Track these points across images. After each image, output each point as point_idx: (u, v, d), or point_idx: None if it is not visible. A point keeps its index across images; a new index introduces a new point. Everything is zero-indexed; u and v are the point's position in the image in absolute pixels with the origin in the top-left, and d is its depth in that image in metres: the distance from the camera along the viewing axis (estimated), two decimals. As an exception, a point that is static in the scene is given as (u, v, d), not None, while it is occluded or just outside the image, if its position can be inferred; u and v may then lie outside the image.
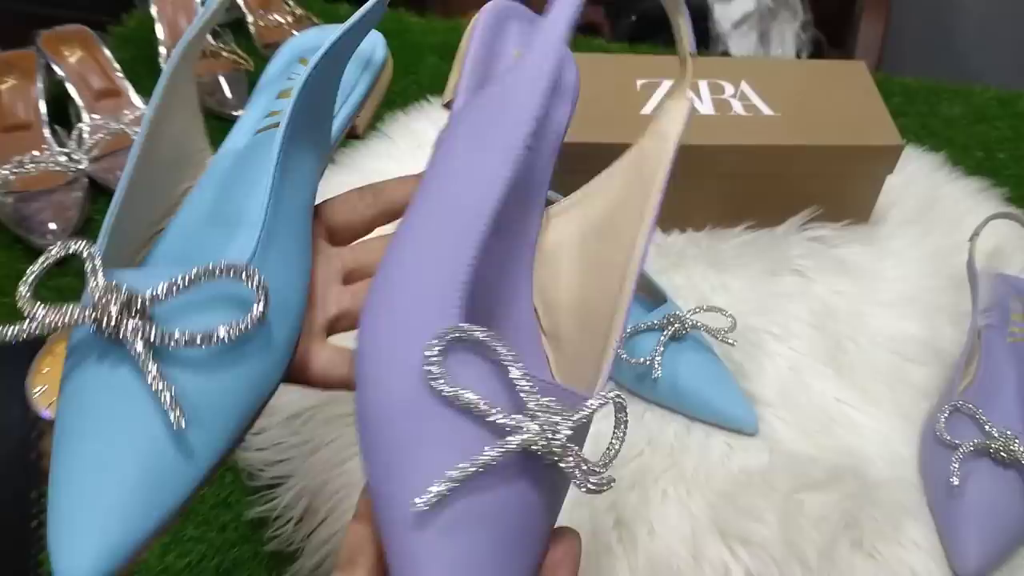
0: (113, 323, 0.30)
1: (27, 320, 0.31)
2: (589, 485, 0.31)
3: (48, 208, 0.78)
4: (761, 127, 0.76)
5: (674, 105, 0.45)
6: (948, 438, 0.59)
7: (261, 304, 0.33)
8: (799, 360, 0.68)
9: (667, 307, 0.67)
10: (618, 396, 0.33)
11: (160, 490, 0.31)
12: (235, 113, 0.92)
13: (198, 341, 0.31)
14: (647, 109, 0.78)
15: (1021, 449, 0.56)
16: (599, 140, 0.73)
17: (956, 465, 0.56)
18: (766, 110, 0.78)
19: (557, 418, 0.30)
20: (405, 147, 0.87)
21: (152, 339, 0.31)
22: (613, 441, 0.34)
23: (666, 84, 0.80)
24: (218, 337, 0.31)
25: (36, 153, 0.80)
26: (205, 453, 0.32)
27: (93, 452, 0.30)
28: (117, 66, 0.91)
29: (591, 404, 0.31)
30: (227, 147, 0.43)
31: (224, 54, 0.96)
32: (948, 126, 0.99)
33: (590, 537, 0.56)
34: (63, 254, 0.32)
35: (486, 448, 0.29)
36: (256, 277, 0.33)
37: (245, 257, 0.35)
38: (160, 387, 0.30)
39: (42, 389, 0.39)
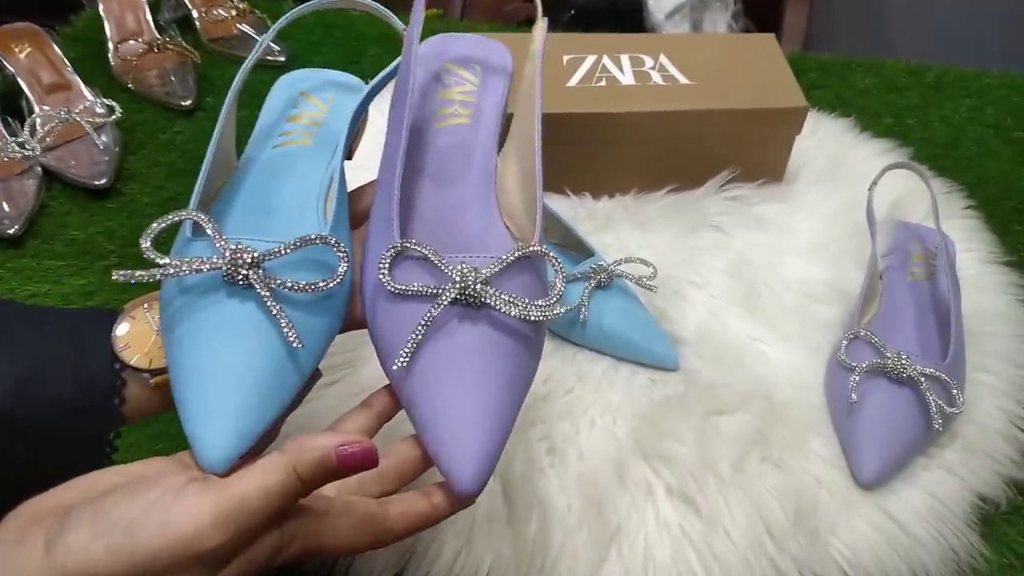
0: (243, 274, 0.41)
1: (167, 266, 0.41)
2: (531, 314, 0.41)
3: (2, 196, 0.81)
4: (678, 94, 0.82)
5: (535, 30, 0.56)
6: (848, 361, 0.64)
7: (345, 265, 0.44)
8: (716, 304, 0.74)
9: (593, 259, 0.72)
10: (539, 246, 0.44)
11: (278, 389, 0.41)
12: (183, 103, 0.95)
13: (307, 288, 0.42)
14: (573, 82, 0.83)
15: (914, 367, 0.62)
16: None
17: (854, 383, 0.62)
18: (683, 79, 0.83)
19: (472, 273, 0.41)
20: (367, 153, 0.91)
21: (273, 286, 0.42)
22: (556, 281, 0.44)
23: (590, 59, 0.86)
24: (319, 287, 0.42)
25: (-10, 144, 0.83)
26: (306, 365, 0.43)
27: (227, 361, 0.40)
28: (66, 61, 0.94)
29: (505, 256, 0.43)
30: (253, 156, 0.54)
31: (171, 48, 1.00)
32: (861, 96, 1.06)
33: (525, 463, 0.61)
34: (178, 219, 0.43)
35: (425, 312, 0.41)
36: (342, 246, 0.44)
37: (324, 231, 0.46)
38: (282, 318, 0.41)
39: (125, 346, 0.46)
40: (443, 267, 0.42)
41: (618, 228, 0.81)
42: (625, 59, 0.86)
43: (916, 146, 0.96)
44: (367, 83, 0.58)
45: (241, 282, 0.41)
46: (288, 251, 0.43)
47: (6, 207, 0.81)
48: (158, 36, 1.01)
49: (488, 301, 0.41)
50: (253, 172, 0.53)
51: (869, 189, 0.77)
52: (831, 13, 1.70)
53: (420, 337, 0.41)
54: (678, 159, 0.84)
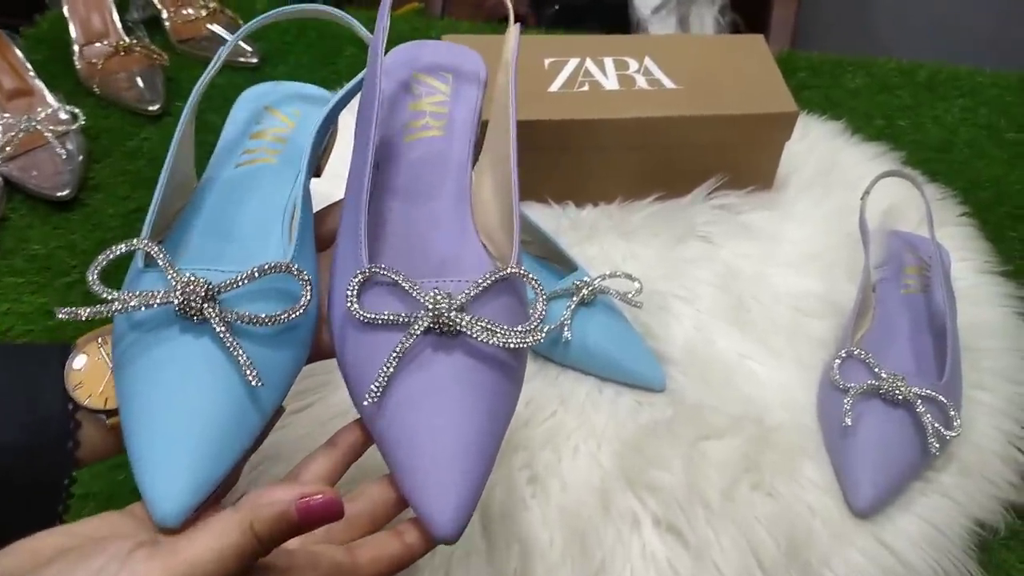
0: (197, 307, 0.39)
1: (114, 301, 0.39)
2: (511, 341, 0.39)
3: (-37, 208, 0.78)
4: (664, 100, 0.79)
5: (507, 35, 0.53)
6: (841, 382, 0.62)
7: (309, 294, 0.41)
8: (704, 320, 0.71)
9: (577, 274, 0.69)
10: (517, 268, 0.41)
11: (237, 432, 0.38)
12: (151, 108, 0.92)
13: (267, 322, 0.40)
14: (554, 87, 0.80)
15: (909, 389, 0.60)
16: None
17: (848, 406, 0.59)
18: (669, 83, 0.81)
19: (445, 300, 0.39)
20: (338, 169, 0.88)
21: (230, 319, 0.39)
22: (536, 303, 0.41)
23: (572, 62, 0.83)
24: (280, 319, 0.40)
25: (-54, 153, 0.80)
26: (269, 404, 0.40)
27: (181, 403, 0.38)
28: (29, 66, 0.91)
29: (481, 279, 0.40)
30: (214, 176, 0.51)
31: (139, 50, 0.96)
32: (851, 96, 1.03)
33: (505, 494, 0.58)
34: (128, 250, 0.41)
35: (396, 344, 0.38)
36: (305, 273, 0.41)
37: (287, 259, 0.43)
38: (240, 354, 0.38)
39: (79, 384, 0.43)
40: (414, 293, 0.39)
41: (603, 239, 0.79)
42: (609, 62, 0.83)
43: (908, 149, 0.93)
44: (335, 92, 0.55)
45: (195, 317, 0.39)
46: (246, 281, 0.40)
47: (-34, 221, 0.77)
48: (125, 38, 0.98)
49: (464, 329, 0.39)
50: (214, 193, 0.50)
51: (861, 199, 0.75)
52: (820, 7, 1.67)
53: (392, 370, 0.38)
54: (664, 166, 0.81)
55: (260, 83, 0.58)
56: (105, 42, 0.97)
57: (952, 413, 0.60)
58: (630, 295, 0.68)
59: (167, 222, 0.47)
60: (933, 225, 0.73)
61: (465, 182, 0.49)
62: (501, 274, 0.41)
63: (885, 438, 0.60)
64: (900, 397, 0.60)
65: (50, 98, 0.89)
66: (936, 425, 0.59)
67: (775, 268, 0.76)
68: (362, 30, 0.54)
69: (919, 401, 0.60)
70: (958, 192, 0.88)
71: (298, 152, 0.53)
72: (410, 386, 0.39)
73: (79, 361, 0.43)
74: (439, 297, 0.39)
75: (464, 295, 0.40)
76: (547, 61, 0.83)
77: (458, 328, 0.39)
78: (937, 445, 0.58)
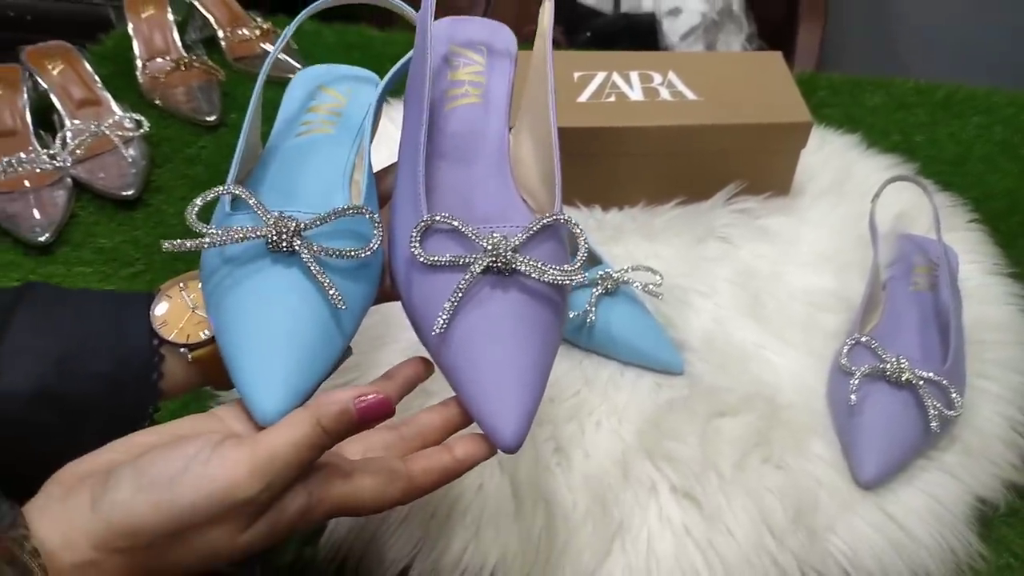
0: (288, 241, 0.44)
1: (214, 235, 0.44)
2: (559, 279, 0.44)
3: (34, 205, 0.85)
4: (686, 110, 0.84)
5: (543, 10, 0.58)
6: (849, 366, 0.66)
7: (380, 235, 0.46)
8: (722, 313, 0.76)
9: (601, 266, 0.74)
10: (561, 215, 0.46)
11: (325, 349, 0.44)
12: (208, 119, 0.99)
13: (349, 254, 0.45)
14: (583, 97, 0.85)
15: (912, 371, 0.64)
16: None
17: (854, 385, 0.63)
18: (691, 95, 0.86)
19: (503, 242, 0.44)
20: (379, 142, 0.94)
21: (316, 253, 0.44)
22: (580, 243, 0.46)
23: (600, 75, 0.88)
24: (358, 254, 0.45)
25: (23, 155, 0.87)
26: (349, 328, 0.46)
27: (277, 322, 0.43)
28: (97, 79, 0.98)
29: (530, 225, 0.45)
30: (277, 144, 0.57)
31: (197, 66, 1.03)
32: (869, 114, 1.07)
33: (532, 462, 0.62)
34: (221, 193, 0.47)
35: (459, 280, 0.43)
36: (375, 216, 0.47)
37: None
38: (328, 282, 0.44)
39: (163, 323, 0.48)
40: (474, 237, 0.44)
41: (627, 239, 0.83)
42: (634, 76, 0.89)
43: (923, 162, 0.97)
44: (389, 102, 0.61)
45: (285, 249, 0.44)
46: (328, 221, 0.46)
47: (37, 216, 0.84)
48: (185, 55, 1.05)
49: (519, 268, 0.43)
50: (279, 158, 0.55)
51: (872, 201, 0.79)
52: (844, 34, 1.72)
53: (456, 303, 0.43)
54: (686, 172, 0.86)
55: (307, 68, 0.64)
56: (167, 58, 1.04)
57: (954, 395, 0.63)
58: (651, 286, 0.72)
59: (240, 179, 0.52)
60: (940, 227, 0.77)
61: (504, 144, 0.54)
62: (547, 220, 0.46)
63: (889, 417, 0.63)
64: (904, 379, 0.64)
65: (116, 107, 0.96)
66: (938, 405, 0.63)
67: (791, 267, 0.80)
68: (407, 8, 0.59)
69: (922, 383, 0.63)
70: (970, 201, 0.91)
71: (352, 123, 0.58)
72: (472, 319, 0.43)
73: (162, 306, 0.49)
74: (497, 239, 0.44)
75: (518, 238, 0.44)
76: (576, 75, 0.89)
77: (513, 267, 0.43)
78: (938, 424, 0.62)
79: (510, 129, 0.56)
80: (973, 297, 0.76)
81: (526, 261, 0.44)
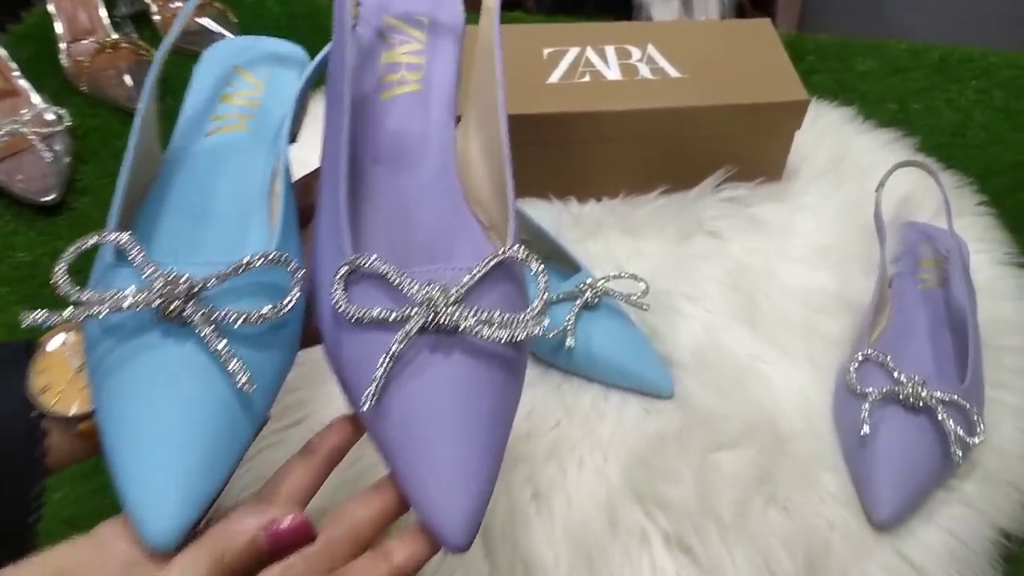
0: (178, 308, 0.35)
1: (85, 305, 0.35)
2: (515, 334, 0.35)
3: (-55, 214, 0.75)
4: (669, 90, 0.76)
5: None
6: (859, 387, 0.59)
7: (299, 287, 0.38)
8: (712, 320, 0.69)
9: (580, 276, 0.66)
10: (517, 248, 0.37)
11: (230, 443, 0.36)
12: (141, 105, 0.89)
13: (256, 320, 0.37)
14: (554, 78, 0.77)
15: (930, 394, 0.57)
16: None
17: (866, 414, 0.57)
18: (673, 72, 0.77)
19: (440, 295, 0.35)
20: (312, 133, 0.85)
21: (215, 319, 0.36)
22: (539, 282, 0.38)
23: (572, 52, 0.79)
24: (269, 316, 0.37)
25: (-76, 159, 0.77)
26: (261, 407, 0.38)
27: (166, 415, 0.35)
28: (14, 65, 0.88)
29: (478, 267, 0.37)
30: (183, 148, 0.47)
31: (127, 46, 0.93)
32: (862, 80, 1.00)
33: (507, 511, 0.55)
34: (98, 243, 0.38)
35: (391, 342, 0.35)
36: (293, 264, 0.38)
37: (271, 246, 0.40)
38: (230, 359, 0.35)
39: (44, 388, 0.40)
40: (406, 289, 0.36)
41: (606, 235, 0.76)
42: (610, 51, 0.80)
43: (922, 133, 0.90)
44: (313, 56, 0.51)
45: (177, 318, 0.36)
46: (231, 276, 0.37)
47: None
48: (113, 34, 0.95)
49: (461, 324, 0.35)
50: (185, 168, 0.46)
51: (877, 191, 0.72)
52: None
53: (387, 373, 0.35)
54: (669, 158, 0.78)
55: (219, 43, 0.54)
56: (92, 39, 0.94)
57: (976, 418, 0.57)
58: (635, 297, 0.65)
59: (135, 200, 0.44)
60: (952, 217, 0.70)
61: (449, 143, 0.45)
62: (498, 259, 0.37)
63: (906, 446, 0.57)
64: (921, 403, 0.57)
65: (35, 98, 0.86)
66: (959, 431, 0.56)
67: (786, 263, 0.73)
68: None
69: (940, 407, 0.57)
70: (974, 179, 0.84)
71: (272, 119, 0.49)
72: (408, 390, 0.35)
73: (45, 360, 0.40)
74: (434, 292, 0.36)
75: (459, 288, 0.36)
76: (546, 51, 0.80)
77: (455, 324, 0.35)
78: (960, 453, 0.56)
79: (458, 121, 0.48)
80: (984, 292, 0.69)
81: (471, 316, 0.36)
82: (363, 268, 0.37)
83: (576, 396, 0.63)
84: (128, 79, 0.92)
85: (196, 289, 0.36)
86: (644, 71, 0.78)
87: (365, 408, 0.35)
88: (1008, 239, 0.77)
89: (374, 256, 0.37)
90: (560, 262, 0.70)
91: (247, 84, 0.51)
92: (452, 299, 0.36)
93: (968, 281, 0.67)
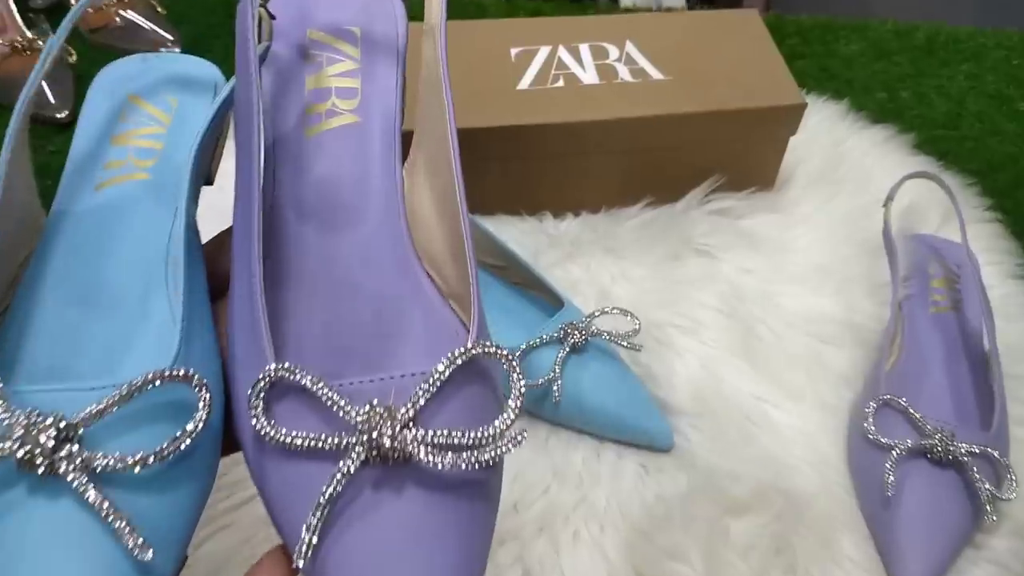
0: (47, 456, 0.27)
1: None
2: (480, 459, 0.27)
3: None
4: (651, 95, 0.68)
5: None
6: (879, 438, 0.53)
7: (206, 410, 0.29)
8: (710, 355, 0.62)
9: (564, 313, 0.59)
10: (484, 342, 0.30)
11: None
12: (59, 115, 0.80)
13: (149, 461, 0.28)
14: (524, 83, 0.69)
15: (960, 448, 0.51)
16: (472, 124, 0.65)
17: (891, 475, 0.51)
18: (655, 74, 0.70)
19: (385, 419, 0.27)
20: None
21: (97, 466, 0.27)
22: (512, 387, 0.29)
23: (543, 51, 0.72)
24: (168, 453, 0.28)
25: None
26: (167, 567, 0.29)
27: None
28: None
29: (436, 374, 0.28)
30: (67, 209, 0.38)
31: (43, 47, 0.83)
32: (847, 66, 0.93)
33: (495, 599, 0.49)
34: None
35: (325, 484, 0.27)
36: (196, 379, 0.29)
37: (168, 351, 0.31)
38: (114, 517, 0.27)
39: None
40: (343, 414, 0.28)
41: (587, 256, 0.69)
42: (585, 50, 0.72)
43: (915, 126, 0.85)
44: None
45: (47, 471, 0.27)
46: (115, 408, 0.29)
47: None
48: (26, 32, 0.85)
49: (415, 453, 0.27)
50: (69, 233, 0.37)
51: (885, 205, 0.65)
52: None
53: (320, 521, 0.27)
54: (654, 169, 0.71)
55: (116, 61, 0.43)
56: (2, 40, 0.84)
57: (1008, 475, 0.52)
58: (628, 335, 0.58)
59: (7, 284, 0.35)
60: (965, 229, 0.64)
61: (395, 192, 0.36)
62: (460, 359, 0.29)
63: (934, 507, 0.51)
64: (949, 457, 0.52)
65: (-66, 112, 0.76)
66: (990, 488, 0.51)
67: (784, 285, 0.67)
68: None
69: (969, 459, 0.51)
70: (974, 178, 0.79)
71: (176, 164, 0.39)
72: (350, 540, 0.27)
73: None
74: (377, 415, 0.27)
75: (409, 405, 0.28)
76: (514, 52, 0.72)
77: (406, 454, 0.27)
78: (992, 513, 0.50)
79: (404, 160, 0.38)
80: (999, 313, 0.63)
81: (426, 440, 0.27)
82: (283, 379, 0.28)
83: (565, 454, 0.56)
84: (44, 85, 0.81)
85: (71, 431, 0.27)
86: (623, 73, 0.70)
87: (300, 565, 0.27)
88: (1018, 249, 0.72)
89: (299, 368, 0.28)
90: (539, 290, 0.63)
91: (147, 118, 0.41)
92: (401, 422, 0.28)
93: (986, 303, 0.61)
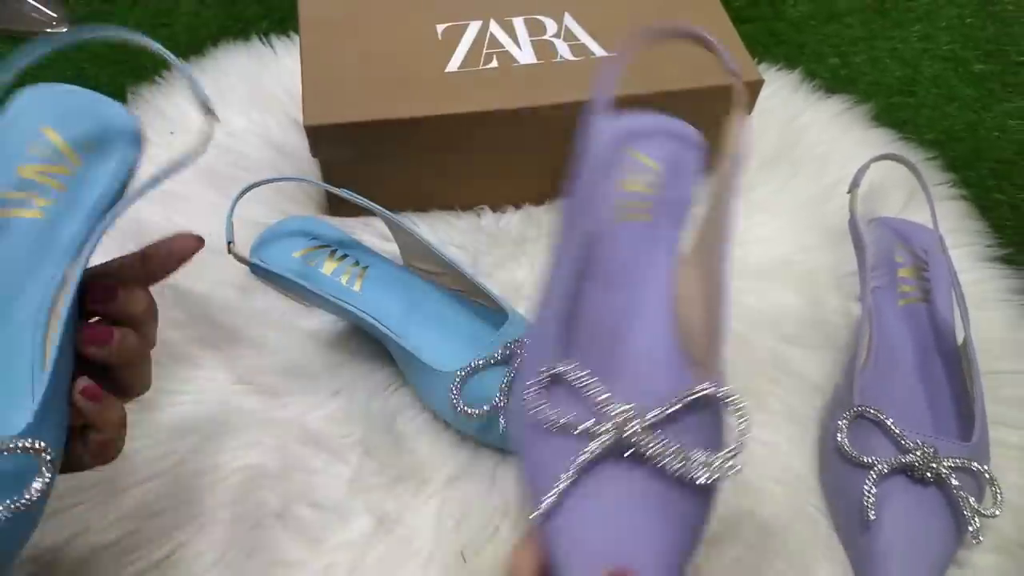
0: None
1: None
2: (699, 475, 0.34)
3: None
4: (593, 75, 0.62)
5: (729, 124, 0.43)
6: (855, 455, 0.49)
7: (47, 477, 0.32)
8: (670, 363, 0.57)
9: (508, 329, 0.53)
10: (717, 386, 0.35)
11: None
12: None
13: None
14: (453, 65, 0.62)
15: (943, 464, 0.47)
16: (396, 115, 0.58)
17: (871, 497, 0.47)
18: (598, 50, 0.64)
19: (634, 419, 0.34)
20: (156, 133, 0.68)
21: None
22: (739, 425, 0.35)
23: (473, 27, 0.65)
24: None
25: None
26: None
27: None
28: None
29: (676, 399, 0.35)
30: None
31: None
32: (796, 30, 0.88)
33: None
34: None
35: (574, 457, 0.34)
36: (39, 445, 0.32)
37: (18, 424, 0.33)
38: None
39: None
40: (603, 406, 0.35)
41: (531, 255, 0.63)
42: (520, 24, 0.66)
43: (871, 94, 0.80)
44: (181, 64, 0.39)
45: None
46: None
47: None
48: None
49: (650, 452, 0.34)
50: None
51: (850, 191, 0.61)
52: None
53: (567, 484, 0.34)
54: (599, 155, 0.65)
55: (46, 83, 0.40)
56: None
57: (993, 488, 0.48)
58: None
59: None
60: (935, 211, 0.60)
61: (669, 275, 0.43)
62: (699, 394, 0.35)
63: (917, 528, 0.47)
64: (931, 474, 0.47)
65: None
66: (973, 503, 0.47)
67: (745, 281, 0.62)
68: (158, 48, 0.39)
69: (952, 475, 0.47)
70: (935, 151, 0.75)
71: (73, 212, 0.38)
72: (586, 506, 0.35)
73: None
74: (629, 413, 0.35)
75: (655, 414, 0.35)
76: (440, 28, 0.65)
77: (644, 450, 0.34)
78: (980, 536, 0.47)
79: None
80: (970, 301, 0.59)
81: (661, 446, 0.34)
82: (564, 376, 0.36)
83: (516, 487, 0.51)
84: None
85: None
86: (563, 50, 0.64)
87: (541, 510, 0.34)
88: (984, 229, 0.68)
89: (576, 365, 0.36)
90: (481, 297, 0.57)
91: (56, 155, 0.38)
92: (646, 423, 0.35)
93: (959, 293, 0.57)
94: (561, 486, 0.34)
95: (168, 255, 0.41)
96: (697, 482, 0.34)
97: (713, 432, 0.36)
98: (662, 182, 0.46)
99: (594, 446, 0.34)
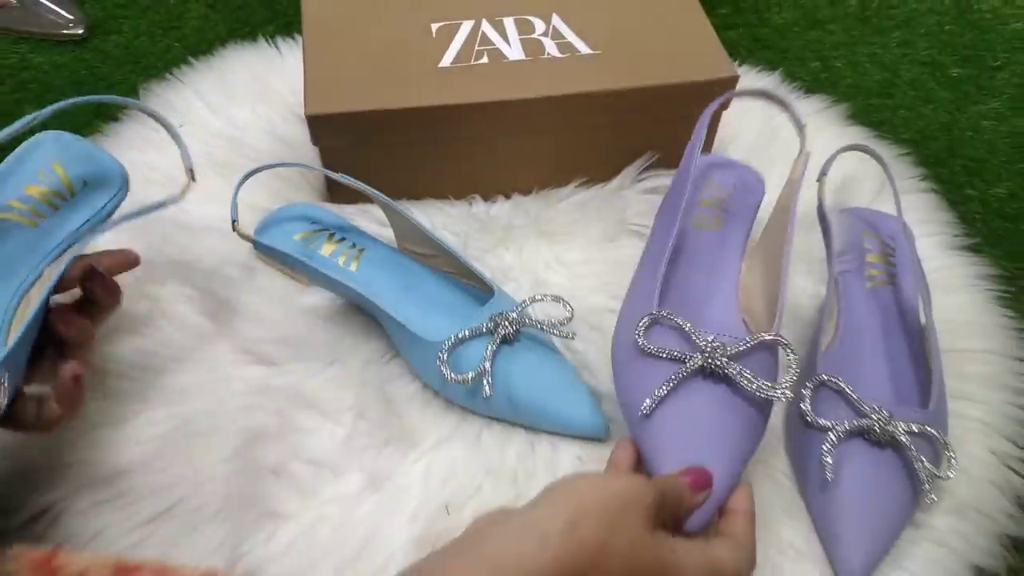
0: None
1: None
2: (765, 392, 0.47)
3: None
4: (579, 71, 0.66)
5: (797, 161, 0.58)
6: (816, 420, 0.52)
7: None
8: (647, 340, 0.61)
9: (495, 303, 0.57)
10: (781, 338, 0.49)
11: None
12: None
13: None
14: (446, 60, 0.66)
15: (899, 427, 0.50)
16: (392, 105, 0.62)
17: (829, 457, 0.50)
18: (583, 48, 0.68)
19: (720, 348, 0.48)
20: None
21: None
22: (790, 365, 0.49)
23: (465, 26, 0.69)
24: None
25: None
26: None
27: None
28: None
29: (748, 340, 0.48)
30: None
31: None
32: (780, 36, 0.92)
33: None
34: None
35: (672, 372, 0.48)
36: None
37: None
38: None
39: None
40: (695, 337, 0.48)
41: (520, 241, 0.66)
42: (510, 24, 0.70)
43: (849, 95, 0.84)
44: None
45: None
46: None
47: None
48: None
49: (730, 374, 0.47)
50: None
51: (819, 180, 0.64)
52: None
53: (666, 391, 0.47)
54: (585, 148, 0.69)
55: (62, 132, 0.53)
56: None
57: (948, 453, 0.51)
58: (560, 322, 0.56)
59: None
60: (900, 203, 0.63)
61: (734, 270, 0.59)
62: (765, 339, 0.49)
63: (873, 488, 0.50)
64: (888, 437, 0.51)
65: None
66: (930, 467, 0.50)
67: (721, 264, 0.65)
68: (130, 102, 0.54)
69: (908, 439, 0.50)
70: (909, 148, 0.78)
71: (60, 229, 0.50)
72: (678, 408, 0.47)
73: None
74: (716, 344, 0.48)
75: (735, 347, 0.48)
76: (435, 26, 0.69)
77: (725, 372, 0.47)
78: (933, 495, 0.49)
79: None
80: (937, 286, 0.62)
81: (738, 370, 0.47)
82: (663, 318, 0.50)
83: (499, 450, 0.54)
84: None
85: None
86: (551, 48, 0.67)
87: (643, 412, 0.47)
88: (953, 220, 0.72)
89: (672, 312, 0.50)
90: (471, 279, 0.61)
91: (59, 184, 0.51)
92: (728, 353, 0.48)
93: (921, 276, 0.60)
94: (661, 392, 0.46)
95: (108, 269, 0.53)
96: (763, 397, 0.47)
97: (771, 370, 0.49)
98: (730, 202, 0.62)
99: (688, 366, 0.47)
